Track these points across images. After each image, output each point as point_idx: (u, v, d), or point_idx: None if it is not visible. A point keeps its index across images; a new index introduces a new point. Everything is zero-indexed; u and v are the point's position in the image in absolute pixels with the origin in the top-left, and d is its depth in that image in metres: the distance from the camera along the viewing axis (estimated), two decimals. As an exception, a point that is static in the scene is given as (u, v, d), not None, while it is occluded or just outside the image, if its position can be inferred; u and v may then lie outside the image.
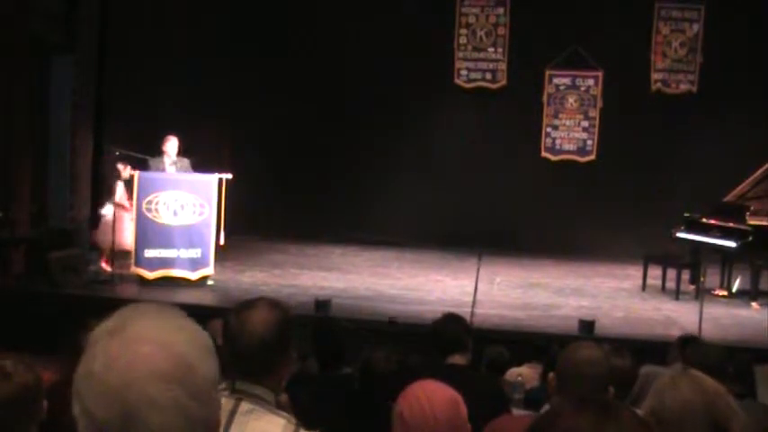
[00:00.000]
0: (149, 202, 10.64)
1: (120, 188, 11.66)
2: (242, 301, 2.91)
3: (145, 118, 12.67)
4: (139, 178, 10.71)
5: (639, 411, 2.45)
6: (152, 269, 10.75)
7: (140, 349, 1.32)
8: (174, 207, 10.74)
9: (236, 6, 15.07)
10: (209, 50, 14.43)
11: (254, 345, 2.67)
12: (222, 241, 11.19)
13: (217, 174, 11.08)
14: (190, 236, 10.84)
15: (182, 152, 11.33)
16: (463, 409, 2.98)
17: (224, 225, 11.14)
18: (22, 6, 11.31)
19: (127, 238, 11.24)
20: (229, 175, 11.27)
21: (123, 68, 12.73)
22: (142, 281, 10.67)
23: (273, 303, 2.85)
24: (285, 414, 2.62)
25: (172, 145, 11.27)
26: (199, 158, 11.62)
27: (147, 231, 10.70)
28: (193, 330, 1.40)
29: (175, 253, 10.82)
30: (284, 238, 15.05)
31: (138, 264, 10.75)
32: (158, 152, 11.28)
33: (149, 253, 10.74)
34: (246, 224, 14.58)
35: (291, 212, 15.20)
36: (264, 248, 14.33)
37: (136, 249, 10.75)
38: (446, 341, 5.11)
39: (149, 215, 10.66)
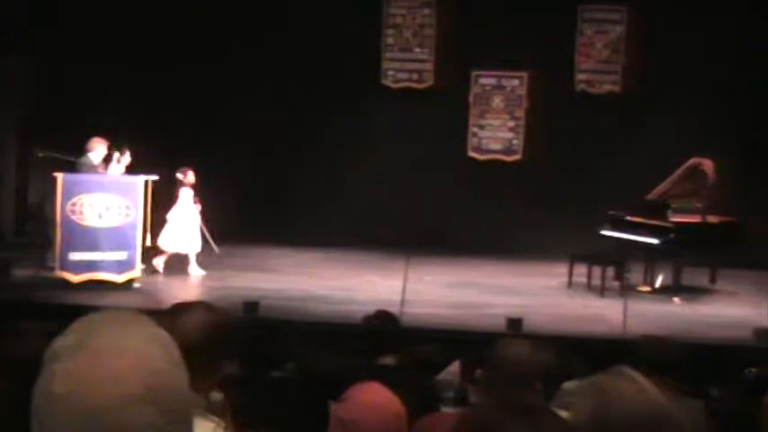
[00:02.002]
0: (73, 204, 10.50)
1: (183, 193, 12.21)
2: (176, 303, 2.91)
3: (77, 120, 12.50)
4: (63, 180, 10.56)
5: (567, 414, 2.50)
6: (77, 272, 10.60)
7: (110, 367, 1.18)
8: (99, 209, 10.61)
9: (175, 8, 14.84)
10: (145, 51, 14.26)
11: (184, 348, 2.66)
12: (149, 242, 11.12)
13: (143, 175, 10.98)
14: (116, 238, 10.72)
15: (111, 157, 11.25)
16: (404, 424, 3.01)
17: (150, 227, 11.09)
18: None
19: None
20: (155, 177, 11.18)
21: (52, 69, 12.54)
22: (67, 284, 10.51)
23: (207, 306, 2.85)
24: (215, 418, 2.62)
25: (100, 149, 11.15)
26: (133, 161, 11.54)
27: (72, 234, 10.55)
28: (165, 340, 1.29)
29: (101, 255, 10.68)
30: (214, 240, 14.90)
31: (62, 267, 10.59)
32: (83, 153, 11.15)
33: (74, 256, 10.59)
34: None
35: (221, 214, 15.05)
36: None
37: (60, 252, 10.59)
38: (375, 341, 5.13)
39: (74, 217, 10.51)
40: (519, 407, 1.45)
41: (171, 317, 2.76)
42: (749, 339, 9.32)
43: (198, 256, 12.40)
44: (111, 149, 11.35)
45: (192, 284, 11.60)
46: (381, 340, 5.10)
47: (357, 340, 5.31)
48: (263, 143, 15.22)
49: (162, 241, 12.09)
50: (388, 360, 5.01)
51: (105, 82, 13.57)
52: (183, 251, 12.25)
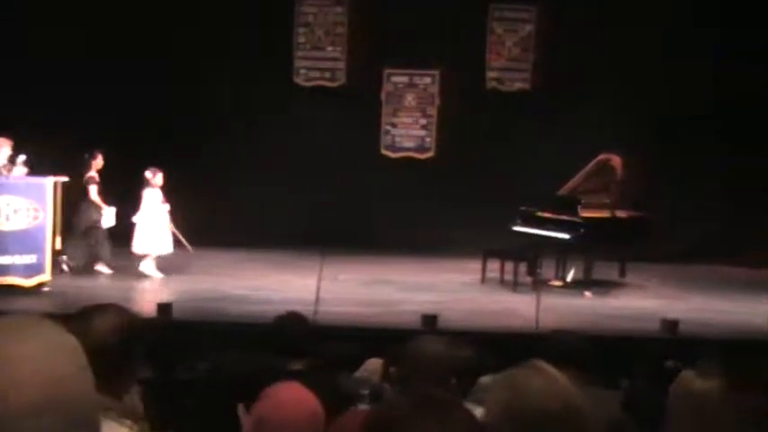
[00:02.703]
0: (-20, 208, 10.24)
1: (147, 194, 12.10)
2: (85, 306, 2.86)
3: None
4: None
5: (480, 409, 2.52)
6: (-16, 277, 10.35)
7: (8, 377, 1.14)
8: (6, 212, 10.36)
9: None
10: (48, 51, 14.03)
11: (96, 351, 2.62)
12: (59, 245, 10.92)
13: (51, 177, 10.76)
14: (24, 241, 10.48)
15: (15, 159, 11.01)
16: (321, 422, 3.02)
17: (60, 229, 10.88)
18: None
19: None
20: (65, 178, 10.97)
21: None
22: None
23: (118, 308, 2.82)
24: (128, 422, 2.58)
25: (3, 150, 10.90)
26: (35, 162, 11.30)
27: (-21, 238, 10.29)
28: (68, 345, 1.24)
29: (9, 260, 10.43)
30: (128, 242, 14.63)
31: (-31, 272, 10.33)
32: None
33: (-19, 260, 10.34)
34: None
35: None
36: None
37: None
38: (285, 342, 5.11)
39: (-20, 221, 10.25)
40: (426, 401, 1.46)
41: (81, 319, 2.71)
42: (657, 331, 9.55)
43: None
44: (14, 150, 11.09)
45: (105, 287, 11.40)
46: (291, 341, 5.08)
47: (267, 341, 5.28)
48: (176, 143, 15.02)
49: (135, 246, 12.03)
50: (297, 365, 5.00)
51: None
52: (155, 252, 12.13)
